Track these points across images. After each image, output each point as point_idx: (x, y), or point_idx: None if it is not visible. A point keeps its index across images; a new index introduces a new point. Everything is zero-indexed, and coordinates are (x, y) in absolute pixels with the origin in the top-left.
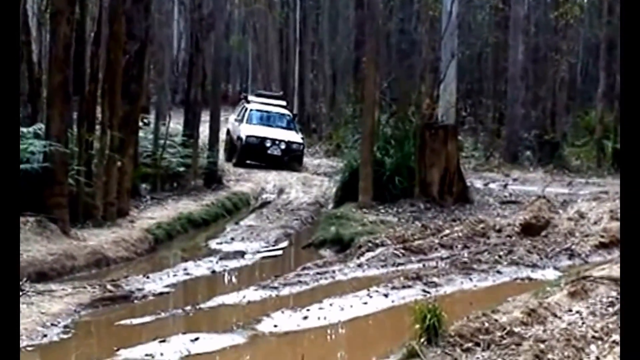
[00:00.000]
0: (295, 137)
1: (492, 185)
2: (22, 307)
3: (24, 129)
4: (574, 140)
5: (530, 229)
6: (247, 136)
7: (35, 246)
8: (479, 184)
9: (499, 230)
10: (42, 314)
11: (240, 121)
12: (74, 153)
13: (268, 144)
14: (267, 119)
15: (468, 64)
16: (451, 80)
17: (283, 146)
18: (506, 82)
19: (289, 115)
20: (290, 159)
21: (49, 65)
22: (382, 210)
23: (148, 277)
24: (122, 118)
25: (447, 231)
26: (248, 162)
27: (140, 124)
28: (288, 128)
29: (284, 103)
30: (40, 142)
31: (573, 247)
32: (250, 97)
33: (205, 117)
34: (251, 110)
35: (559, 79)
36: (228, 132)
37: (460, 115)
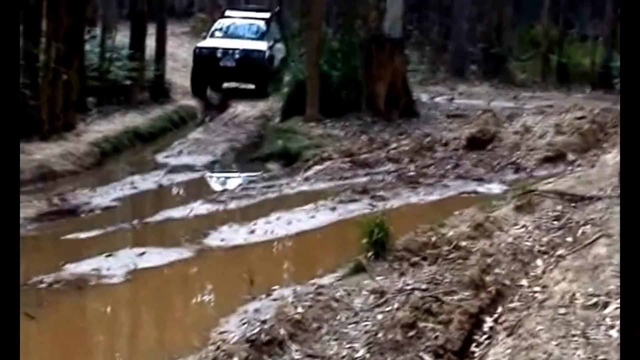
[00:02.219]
0: (257, 45)
1: (438, 99)
2: None
3: None
4: (520, 54)
5: (476, 143)
6: (198, 49)
7: None
8: (425, 98)
9: (446, 144)
10: None
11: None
12: (20, 66)
13: (219, 55)
14: (232, 31)
15: None
16: None
17: (237, 55)
18: None
19: (262, 26)
20: (248, 72)
21: None
22: (329, 124)
23: (95, 191)
24: (67, 30)
25: (393, 145)
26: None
27: (87, 37)
28: (257, 39)
29: (265, 15)
30: None
31: (519, 160)
32: (227, 13)
33: (152, 30)
34: (218, 23)
35: None
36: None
37: (406, 29)
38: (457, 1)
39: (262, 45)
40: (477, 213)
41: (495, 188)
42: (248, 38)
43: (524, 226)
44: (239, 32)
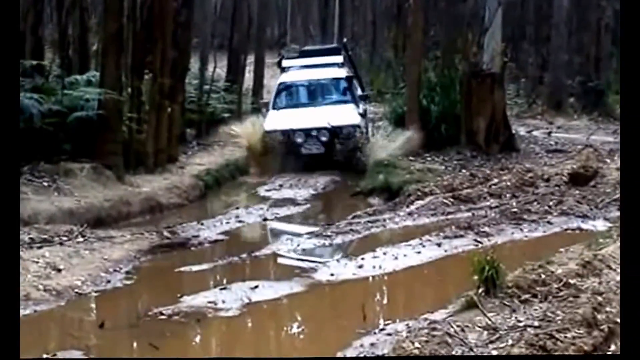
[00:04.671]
0: (348, 115)
1: (536, 133)
2: (85, 252)
3: (77, 77)
4: (619, 87)
5: (578, 179)
6: (267, 132)
7: (92, 192)
8: (522, 131)
9: (547, 180)
10: (104, 259)
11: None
12: (126, 100)
13: (299, 140)
14: (303, 95)
15: (511, 9)
16: (497, 28)
17: (325, 137)
18: (550, 27)
19: (342, 79)
20: (344, 154)
21: (103, 14)
22: (429, 158)
23: (202, 224)
24: (172, 65)
25: (495, 180)
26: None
27: None
28: (340, 102)
29: (338, 59)
30: (95, 90)
31: None
32: (286, 62)
33: (247, 60)
34: (279, 85)
35: (603, 24)
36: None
37: (503, 61)
38: (555, 33)
39: (354, 117)
40: (585, 251)
41: (600, 225)
42: (330, 103)
43: None
44: (316, 95)
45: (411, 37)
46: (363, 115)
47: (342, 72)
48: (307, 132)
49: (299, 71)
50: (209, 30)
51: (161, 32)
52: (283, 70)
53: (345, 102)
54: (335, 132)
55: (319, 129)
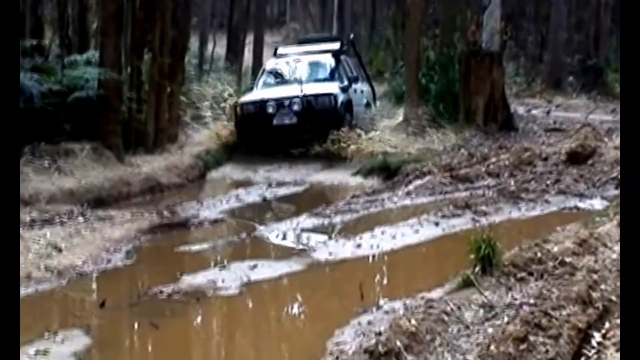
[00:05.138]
0: (324, 86)
1: (534, 112)
2: (86, 232)
3: (77, 56)
4: (618, 65)
5: (576, 158)
6: (241, 105)
7: (93, 172)
8: (521, 110)
9: (545, 159)
10: (105, 239)
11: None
12: (126, 80)
13: (271, 110)
14: (287, 74)
15: None
16: (496, 6)
17: (297, 106)
18: (549, 5)
19: (330, 61)
20: (316, 128)
21: None
22: (428, 138)
23: (202, 204)
24: (171, 44)
25: (493, 159)
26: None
27: None
28: (324, 79)
29: (335, 46)
30: (95, 70)
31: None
32: (281, 49)
33: (247, 40)
34: (264, 67)
35: (602, 2)
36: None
37: (502, 40)
38: (554, 11)
39: (331, 87)
40: (581, 229)
41: (597, 204)
42: (311, 80)
43: None
44: (297, 74)
45: (410, 15)
46: (346, 91)
47: (330, 57)
48: (278, 102)
49: (289, 57)
50: (209, 9)
51: (160, 11)
52: (278, 57)
53: (329, 80)
54: (308, 101)
55: (290, 98)
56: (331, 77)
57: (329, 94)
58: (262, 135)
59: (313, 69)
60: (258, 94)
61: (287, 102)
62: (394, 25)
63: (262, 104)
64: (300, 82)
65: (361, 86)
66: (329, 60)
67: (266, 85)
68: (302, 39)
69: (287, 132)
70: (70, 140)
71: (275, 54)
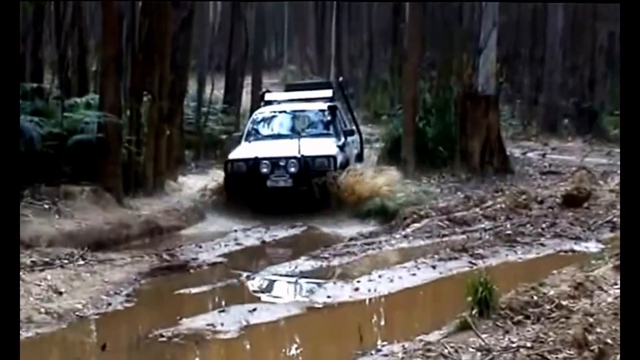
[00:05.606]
0: (323, 146)
1: (530, 155)
2: (86, 275)
3: (76, 99)
4: (613, 109)
5: (572, 201)
6: (230, 162)
7: (92, 215)
8: (517, 153)
9: (541, 202)
10: (105, 282)
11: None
12: (125, 123)
13: (265, 170)
14: (279, 127)
15: (506, 30)
16: (491, 49)
17: (294, 168)
18: (544, 49)
19: (326, 112)
20: (313, 192)
21: (102, 37)
22: (425, 181)
23: (201, 247)
24: (170, 87)
25: (489, 202)
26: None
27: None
28: (320, 135)
29: (327, 94)
30: (95, 113)
31: (615, 219)
32: (269, 95)
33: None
34: (254, 116)
35: (597, 46)
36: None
37: (497, 82)
38: (550, 54)
39: (330, 147)
40: (577, 272)
41: (592, 247)
42: (307, 135)
43: None
44: (291, 127)
45: (407, 58)
46: (343, 148)
47: (325, 105)
48: (273, 162)
49: (280, 105)
50: (207, 51)
51: (160, 54)
52: (266, 104)
53: (325, 135)
54: (306, 162)
55: (287, 158)
56: (327, 132)
57: (328, 156)
58: (254, 197)
59: (308, 121)
60: (249, 149)
61: (283, 163)
62: (391, 68)
63: (255, 162)
64: (297, 137)
65: (354, 137)
66: (324, 112)
67: (257, 138)
68: (290, 85)
69: (281, 194)
70: (70, 182)
71: (262, 100)
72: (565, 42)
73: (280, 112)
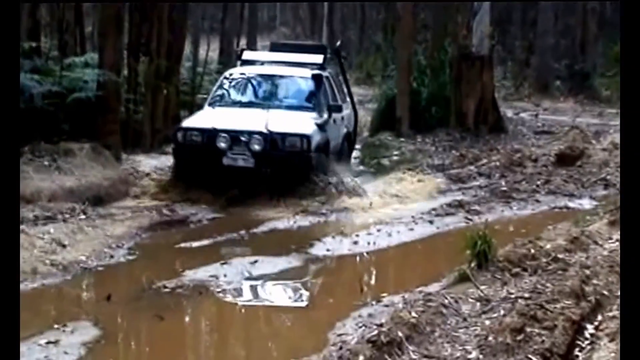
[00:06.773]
0: (298, 122)
1: (523, 115)
2: (88, 229)
3: (75, 58)
4: (604, 70)
5: (565, 159)
6: (182, 130)
7: (92, 172)
8: (510, 113)
9: (535, 160)
10: (107, 236)
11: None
12: (123, 82)
13: (222, 144)
14: (252, 94)
15: None
16: (485, 11)
17: (257, 145)
18: (536, 11)
19: (309, 81)
20: (278, 173)
21: None
22: (419, 140)
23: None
24: (167, 47)
25: (484, 160)
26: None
27: None
28: (300, 108)
29: (318, 59)
30: (94, 71)
31: (608, 177)
32: (248, 54)
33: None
34: (223, 78)
35: (589, 8)
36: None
37: (491, 44)
38: (541, 16)
39: (306, 124)
40: (572, 227)
41: (586, 204)
42: (282, 107)
43: (617, 240)
44: (265, 94)
45: (401, 20)
46: (324, 128)
47: (308, 72)
48: (233, 135)
49: (256, 67)
50: (201, 13)
51: (157, 14)
52: (243, 64)
53: (304, 108)
54: (273, 140)
55: (250, 133)
56: (306, 106)
57: (301, 135)
58: (205, 175)
59: (286, 90)
60: (209, 117)
61: (244, 138)
62: (385, 30)
63: (211, 134)
64: (267, 108)
65: (342, 113)
66: (307, 82)
67: (222, 104)
68: (276, 44)
69: (239, 176)
70: (70, 140)
71: (239, 58)
72: (557, 5)
73: (255, 75)
